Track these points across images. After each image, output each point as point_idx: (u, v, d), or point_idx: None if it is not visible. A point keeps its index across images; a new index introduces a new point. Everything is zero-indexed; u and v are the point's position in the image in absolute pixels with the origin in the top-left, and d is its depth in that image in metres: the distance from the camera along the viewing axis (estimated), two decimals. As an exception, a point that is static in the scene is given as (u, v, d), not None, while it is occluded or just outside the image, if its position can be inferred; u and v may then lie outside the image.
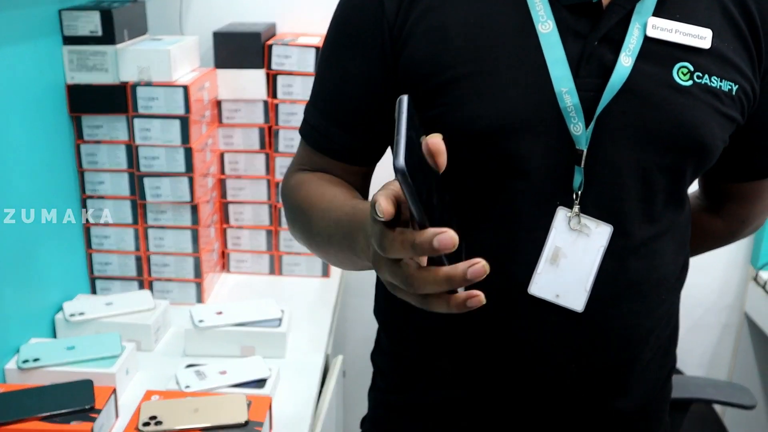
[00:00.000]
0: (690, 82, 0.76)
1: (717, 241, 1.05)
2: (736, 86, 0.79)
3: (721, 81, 0.78)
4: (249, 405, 1.09)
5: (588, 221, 0.78)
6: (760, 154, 0.91)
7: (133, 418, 1.06)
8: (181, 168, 1.44)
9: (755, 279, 1.86)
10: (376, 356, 0.97)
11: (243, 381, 1.19)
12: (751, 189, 0.96)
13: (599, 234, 0.79)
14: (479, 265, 0.51)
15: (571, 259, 0.78)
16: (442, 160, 0.54)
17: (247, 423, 1.05)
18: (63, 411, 1.04)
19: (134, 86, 1.40)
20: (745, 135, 0.84)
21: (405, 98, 0.50)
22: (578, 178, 0.77)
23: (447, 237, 0.49)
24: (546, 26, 0.76)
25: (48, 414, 1.04)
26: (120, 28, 1.42)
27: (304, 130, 0.89)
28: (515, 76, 0.76)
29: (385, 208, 0.51)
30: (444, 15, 0.77)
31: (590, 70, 0.76)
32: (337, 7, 0.84)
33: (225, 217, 1.66)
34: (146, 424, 1.04)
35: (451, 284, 0.51)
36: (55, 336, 1.32)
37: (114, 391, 1.11)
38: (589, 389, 0.82)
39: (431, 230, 0.49)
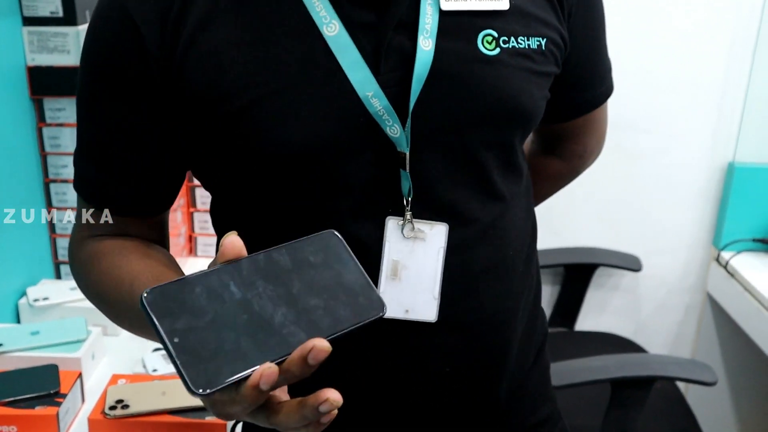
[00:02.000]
0: (497, 50, 0.73)
1: (559, 181, 1.03)
2: (545, 40, 0.76)
3: (528, 39, 0.75)
4: None
5: (421, 225, 0.74)
6: (581, 89, 0.89)
7: (100, 402, 1.06)
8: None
9: (717, 259, 1.91)
10: None
11: None
12: (581, 124, 0.95)
13: (435, 235, 0.75)
14: (327, 404, 0.51)
15: (412, 269, 0.75)
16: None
17: (215, 405, 1.05)
18: (27, 396, 1.04)
19: (97, 68, 1.38)
20: (563, 78, 0.83)
21: (143, 298, 0.47)
22: (406, 184, 0.73)
23: (268, 374, 0.48)
24: (332, 28, 0.70)
25: (12, 399, 1.03)
26: (81, 9, 1.40)
27: (78, 185, 0.78)
28: (311, 90, 0.69)
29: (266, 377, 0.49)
30: (215, 37, 0.69)
31: (391, 64, 0.71)
32: (85, 38, 0.73)
33: (192, 201, 1.66)
34: (113, 407, 1.04)
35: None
36: (18, 322, 1.32)
37: (80, 375, 1.11)
38: (471, 382, 0.79)
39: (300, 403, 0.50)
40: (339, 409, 0.74)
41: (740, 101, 1.85)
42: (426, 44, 0.71)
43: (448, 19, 0.72)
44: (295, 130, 0.69)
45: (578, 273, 1.95)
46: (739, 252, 1.87)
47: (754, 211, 1.88)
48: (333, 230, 0.57)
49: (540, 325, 0.89)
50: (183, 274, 0.74)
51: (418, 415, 0.78)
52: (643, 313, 2.06)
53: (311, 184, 0.72)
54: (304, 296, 0.52)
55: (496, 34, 0.73)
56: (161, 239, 0.83)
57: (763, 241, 1.87)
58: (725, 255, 1.87)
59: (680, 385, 1.77)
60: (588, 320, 2.03)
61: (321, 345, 0.49)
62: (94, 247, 0.78)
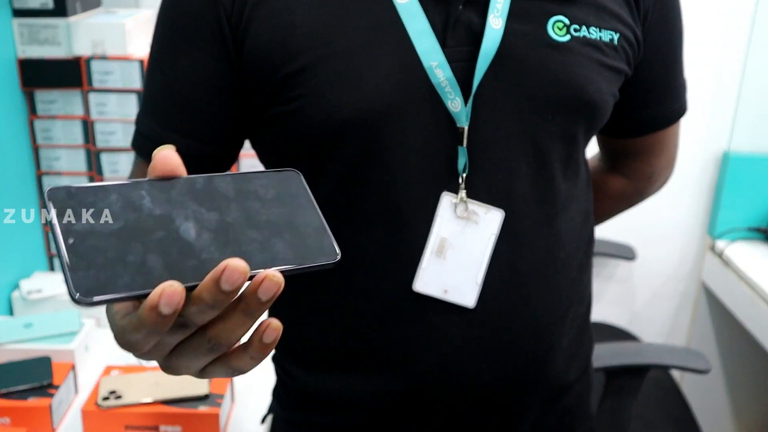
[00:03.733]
0: (567, 37, 0.72)
1: (624, 202, 1.00)
2: (618, 35, 0.75)
3: (600, 31, 0.73)
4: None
5: (476, 207, 0.73)
6: (655, 104, 0.86)
7: (93, 394, 1.06)
8: (139, 143, 1.43)
9: (712, 248, 1.91)
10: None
11: None
12: (652, 142, 0.92)
13: (490, 220, 0.73)
14: (271, 331, 0.43)
15: (459, 250, 0.73)
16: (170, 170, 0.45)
17: (207, 396, 1.06)
18: (20, 388, 1.04)
19: (88, 60, 1.38)
20: (636, 86, 0.81)
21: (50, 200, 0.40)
22: (462, 160, 0.72)
23: (170, 292, 0.38)
24: None
25: (6, 391, 1.03)
26: (72, 1, 1.40)
27: (137, 142, 0.78)
28: (376, 55, 0.69)
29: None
30: None
31: (459, 38, 0.70)
32: None
33: None
34: (106, 398, 1.04)
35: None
36: (12, 314, 1.32)
37: (73, 367, 1.11)
38: (505, 386, 0.76)
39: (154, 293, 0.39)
40: (365, 388, 0.75)
41: (735, 91, 1.85)
42: (496, 23, 0.70)
43: (520, 2, 0.71)
44: (356, 93, 0.69)
45: None
46: (733, 241, 1.87)
47: (749, 200, 1.88)
48: (297, 170, 0.51)
49: (587, 344, 0.87)
50: None
51: (440, 411, 0.76)
52: (637, 302, 2.06)
53: (365, 152, 0.71)
54: (240, 227, 0.44)
55: (567, 21, 0.72)
56: None
57: (757, 230, 1.87)
58: (720, 244, 1.87)
59: (675, 374, 1.77)
60: None
61: (236, 264, 0.39)
62: None
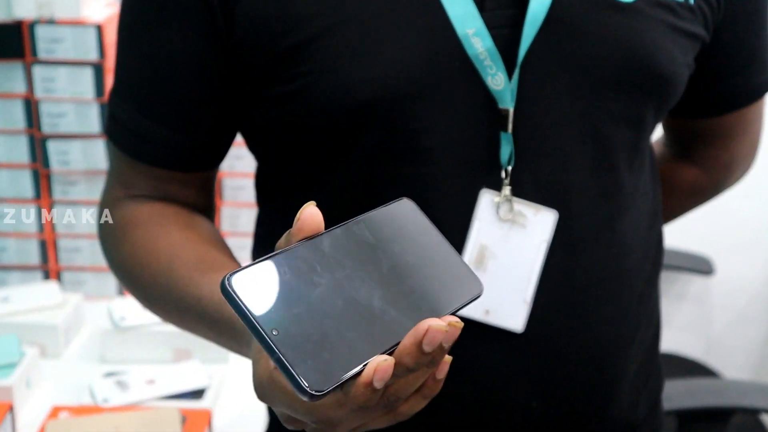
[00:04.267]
0: None
1: (696, 198, 1.02)
2: None
3: None
4: (183, 421, 1.09)
5: (524, 207, 0.74)
6: (737, 76, 0.88)
7: (36, 441, 1.05)
8: (95, 128, 1.44)
9: None
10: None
11: (176, 392, 1.20)
12: (732, 123, 0.93)
13: (540, 223, 0.75)
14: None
15: (502, 260, 0.74)
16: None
17: (181, 445, 1.05)
18: (-55, 434, 1.03)
19: (32, 25, 1.40)
20: (715, 54, 0.82)
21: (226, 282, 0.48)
22: (506, 149, 0.73)
23: (384, 368, 0.47)
24: None
25: (-75, 437, 1.02)
26: None
27: (112, 131, 0.81)
28: (399, 21, 0.71)
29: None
30: None
31: (500, 1, 0.72)
32: None
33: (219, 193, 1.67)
34: (52, 447, 1.03)
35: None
36: (-64, 341, 1.31)
37: (11, 408, 1.11)
38: (562, 427, 0.78)
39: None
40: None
41: None
42: None
43: None
44: (374, 69, 0.70)
45: None
46: None
47: None
48: (406, 198, 0.59)
49: (656, 375, 0.88)
50: (230, 252, 0.79)
51: None
52: (716, 327, 2.11)
53: (386, 141, 0.72)
54: (396, 276, 0.54)
55: None
56: (207, 206, 0.85)
57: None
58: None
59: (765, 417, 1.78)
60: None
61: (437, 325, 0.48)
62: (129, 211, 0.81)
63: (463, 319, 0.69)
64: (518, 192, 0.74)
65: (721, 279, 2.04)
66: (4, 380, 1.15)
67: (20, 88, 1.43)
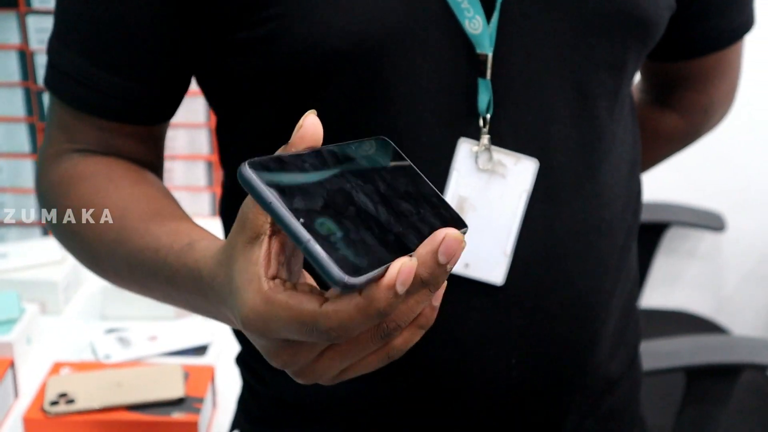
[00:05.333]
0: None
1: (674, 141, 1.04)
2: None
3: None
4: (186, 377, 1.10)
5: (503, 156, 0.75)
6: (716, 16, 0.90)
7: (38, 397, 1.07)
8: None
9: None
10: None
11: (178, 348, 1.21)
12: (709, 66, 0.95)
13: (520, 173, 0.75)
14: (451, 236, 0.49)
15: (482, 211, 0.75)
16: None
17: (183, 399, 1.07)
18: (-54, 389, 1.05)
19: (25, -28, 1.40)
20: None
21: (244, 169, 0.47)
22: (485, 96, 0.74)
23: (407, 269, 0.46)
24: None
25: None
26: None
27: (53, 81, 0.78)
28: None
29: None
30: None
31: None
32: None
33: None
34: (54, 403, 1.05)
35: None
36: (-66, 297, 1.33)
37: (12, 364, 1.12)
38: (541, 384, 0.79)
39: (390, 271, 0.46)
40: (361, 394, 0.77)
41: None
42: None
43: None
44: (347, 14, 0.70)
45: (645, 234, 1.94)
46: None
47: None
48: (386, 138, 0.59)
49: (633, 329, 0.90)
50: (181, 208, 0.76)
51: (456, 418, 0.78)
52: (727, 285, 2.13)
53: (361, 89, 0.72)
54: (393, 198, 0.54)
55: None
56: (156, 162, 0.83)
57: None
58: None
59: (773, 375, 1.82)
60: (657, 294, 2.09)
61: (454, 234, 0.47)
62: (72, 165, 0.78)
63: None
64: (497, 141, 0.74)
65: (732, 236, 2.06)
66: (4, 336, 1.17)
67: (14, 39, 1.42)
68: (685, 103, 0.99)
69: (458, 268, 0.73)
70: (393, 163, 0.58)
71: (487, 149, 0.74)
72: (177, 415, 1.04)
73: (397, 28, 0.71)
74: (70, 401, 1.05)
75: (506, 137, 0.74)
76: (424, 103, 0.73)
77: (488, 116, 0.74)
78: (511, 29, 0.73)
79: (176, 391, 1.07)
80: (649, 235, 1.98)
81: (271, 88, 0.75)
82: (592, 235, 0.79)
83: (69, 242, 0.78)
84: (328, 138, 0.71)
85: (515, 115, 0.75)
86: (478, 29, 0.72)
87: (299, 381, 0.54)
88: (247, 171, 0.46)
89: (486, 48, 0.73)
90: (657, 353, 1.47)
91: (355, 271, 0.44)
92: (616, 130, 0.80)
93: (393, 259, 0.47)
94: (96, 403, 1.05)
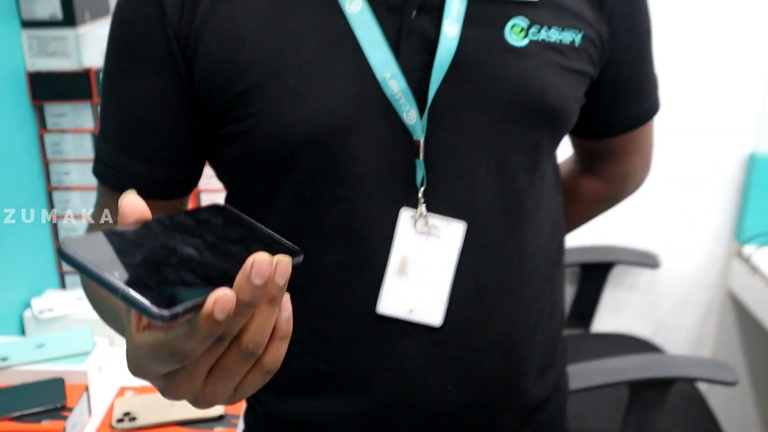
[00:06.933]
0: (526, 41, 0.72)
1: (598, 204, 1.01)
2: (580, 35, 0.74)
3: (561, 33, 0.73)
4: None
5: (437, 220, 0.73)
6: (626, 103, 0.87)
7: (107, 416, 1.08)
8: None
9: (739, 254, 1.92)
10: None
11: None
12: (624, 142, 0.92)
13: (451, 233, 0.73)
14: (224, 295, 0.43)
15: (421, 267, 0.73)
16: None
17: (223, 416, 1.07)
18: (34, 410, 1.06)
19: (99, 72, 1.39)
20: (605, 86, 0.81)
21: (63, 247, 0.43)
22: (420, 173, 0.72)
23: (223, 299, 0.41)
24: (354, 5, 0.69)
25: (19, 414, 1.05)
26: (81, 10, 1.42)
27: (97, 170, 0.78)
28: (329, 69, 0.69)
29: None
30: (235, 7, 0.70)
31: (413, 47, 0.70)
32: (112, 18, 0.75)
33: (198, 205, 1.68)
34: (120, 420, 1.06)
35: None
36: (24, 334, 1.33)
37: (86, 388, 1.13)
38: (475, 406, 0.77)
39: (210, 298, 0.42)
40: (325, 413, 0.76)
41: (762, 90, 1.85)
42: (451, 30, 0.70)
43: (475, 5, 0.71)
44: (309, 110, 0.69)
45: (594, 272, 1.96)
46: (762, 246, 1.87)
47: None
48: (220, 204, 0.55)
49: (560, 359, 0.87)
50: None
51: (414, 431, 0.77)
52: (661, 312, 2.07)
53: (321, 169, 0.71)
54: (222, 245, 0.50)
55: (525, 25, 0.72)
56: None
57: None
58: (748, 249, 1.88)
59: (701, 386, 1.77)
60: (605, 321, 2.04)
61: (261, 257, 0.43)
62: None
63: (390, 317, 0.71)
64: (432, 208, 0.72)
65: (666, 271, 2.01)
66: (80, 366, 1.17)
67: (89, 124, 1.44)
68: (607, 172, 0.97)
69: (404, 314, 0.72)
70: (228, 221, 0.54)
71: (423, 216, 0.73)
72: (219, 429, 1.05)
73: (348, 119, 0.70)
74: (133, 419, 1.06)
75: (439, 205, 0.73)
76: (371, 179, 0.72)
77: (423, 189, 0.72)
78: (442, 118, 0.71)
79: (217, 409, 1.07)
80: (598, 273, 1.95)
81: (254, 168, 0.74)
82: (515, 283, 0.77)
83: (91, 303, 0.78)
84: (297, 206, 0.72)
85: (446, 187, 0.73)
86: (413, 120, 0.71)
87: (202, 407, 0.49)
88: (65, 247, 0.43)
89: (419, 135, 0.71)
90: (605, 370, 1.46)
91: (170, 305, 0.41)
92: (536, 198, 0.78)
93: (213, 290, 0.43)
94: (153, 420, 1.05)
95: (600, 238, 1.97)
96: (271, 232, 0.53)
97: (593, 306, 1.97)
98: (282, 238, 0.53)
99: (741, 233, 1.93)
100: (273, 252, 0.47)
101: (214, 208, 0.54)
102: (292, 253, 0.51)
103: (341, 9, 0.69)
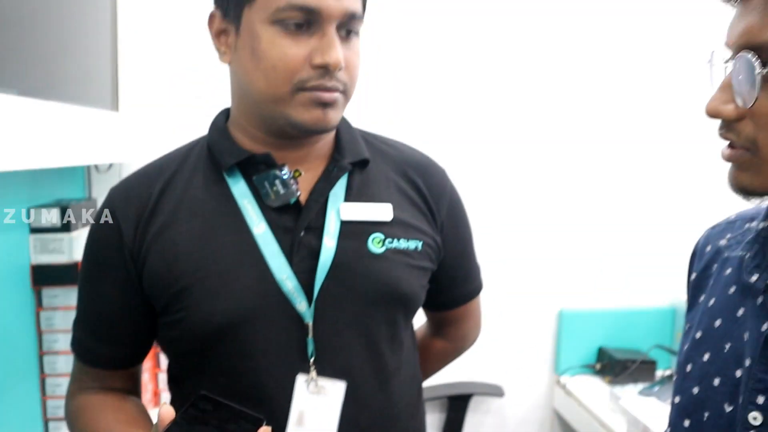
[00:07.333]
0: (383, 249, 0.82)
1: (446, 357, 1.09)
2: (421, 242, 0.85)
3: (408, 242, 0.84)
4: None
5: (324, 382, 0.79)
6: (458, 286, 0.98)
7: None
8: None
9: (558, 383, 2.22)
10: None
11: None
12: (460, 313, 1.03)
13: (335, 391, 0.80)
14: None
15: (315, 418, 0.79)
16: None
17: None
18: None
19: (86, 264, 1.56)
20: (443, 275, 0.92)
21: None
22: (310, 348, 0.79)
23: None
24: (259, 228, 0.79)
25: None
26: (75, 219, 1.66)
27: (73, 346, 0.88)
28: (240, 274, 0.78)
29: None
30: (175, 232, 0.79)
31: (302, 256, 0.79)
32: (87, 237, 0.86)
33: (157, 364, 1.81)
34: None
35: None
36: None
37: None
38: None
39: None
40: None
41: (568, 264, 2.17)
42: (329, 243, 0.80)
43: (347, 225, 0.82)
44: (225, 305, 0.78)
45: (458, 402, 2.13)
46: (573, 375, 2.18)
47: (580, 344, 2.23)
48: (204, 392, 0.66)
49: None
50: (150, 419, 0.87)
51: None
52: (509, 429, 2.26)
53: (236, 348, 0.79)
54: (223, 424, 0.62)
55: (382, 237, 0.83)
56: (135, 388, 0.94)
57: (588, 366, 2.23)
58: (564, 379, 2.18)
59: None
60: None
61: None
62: (79, 400, 0.88)
63: None
64: (321, 373, 0.81)
65: (509, 398, 2.22)
66: None
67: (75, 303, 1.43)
68: (450, 335, 1.08)
69: None
70: (214, 406, 0.65)
71: (314, 379, 0.80)
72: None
73: (255, 310, 0.78)
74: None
75: (326, 370, 0.81)
76: (274, 354, 0.80)
77: (313, 360, 0.81)
78: (325, 306, 0.80)
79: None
80: (461, 402, 2.13)
81: (186, 347, 0.83)
82: (386, 423, 0.85)
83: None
84: (219, 375, 0.80)
85: (330, 356, 0.81)
86: (304, 309, 0.80)
87: None
88: None
89: (309, 320, 0.80)
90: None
91: None
92: (399, 358, 0.87)
93: None
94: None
95: (461, 376, 2.18)
96: (240, 407, 0.65)
97: (459, 429, 2.14)
98: (249, 411, 0.64)
99: (558, 367, 2.24)
100: (245, 423, 0.61)
101: (202, 397, 0.65)
102: (257, 420, 0.64)
103: (250, 230, 0.80)
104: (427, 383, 1.04)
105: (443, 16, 2.02)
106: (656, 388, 1.91)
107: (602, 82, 2.12)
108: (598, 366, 2.17)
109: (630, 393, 1.92)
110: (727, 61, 0.68)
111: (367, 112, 1.55)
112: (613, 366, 2.09)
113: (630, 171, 2.17)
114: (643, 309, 2.22)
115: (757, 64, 0.63)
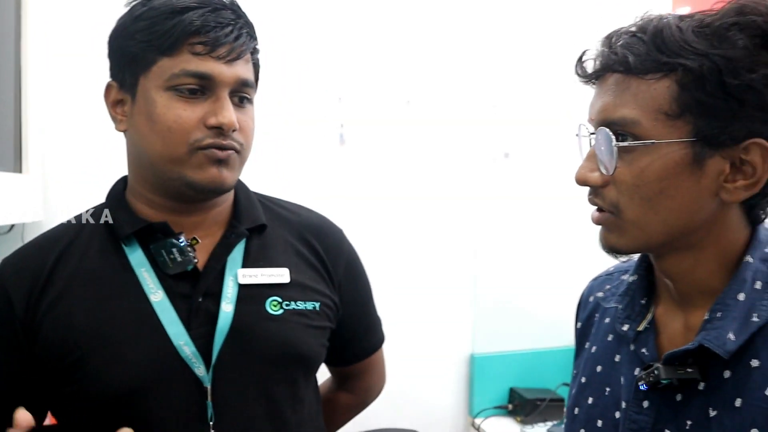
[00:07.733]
0: (281, 311, 0.83)
1: (351, 410, 1.12)
2: (319, 303, 0.88)
3: (305, 303, 0.86)
4: None
5: None
6: (358, 341, 1.02)
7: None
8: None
9: (473, 425, 2.30)
10: None
11: None
12: (363, 366, 1.06)
13: None
14: None
15: None
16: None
17: None
18: None
19: None
20: (344, 331, 0.94)
21: None
22: (210, 411, 0.80)
23: None
24: (157, 295, 0.80)
25: None
26: None
27: None
28: (138, 341, 0.78)
29: None
30: (70, 302, 0.80)
31: (200, 322, 0.81)
32: None
33: None
34: None
35: None
36: None
37: None
38: None
39: None
40: None
41: (470, 320, 2.23)
42: (227, 307, 0.82)
43: (244, 289, 0.84)
44: (123, 373, 0.78)
45: None
46: (487, 417, 2.22)
47: (492, 386, 2.28)
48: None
49: None
50: None
51: None
52: None
53: (135, 414, 0.79)
54: None
55: (279, 300, 0.85)
56: None
57: (501, 407, 2.27)
58: (477, 421, 2.22)
59: None
60: None
61: None
62: None
63: None
64: None
65: None
66: None
67: None
68: (354, 388, 1.10)
69: None
70: None
71: None
72: None
73: (154, 377, 0.79)
74: None
75: (226, 430, 0.82)
76: (174, 421, 0.81)
77: (212, 422, 0.82)
78: (225, 369, 0.82)
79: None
80: None
81: (88, 415, 0.83)
82: None
83: None
84: None
85: (231, 418, 0.82)
86: (203, 373, 0.81)
87: None
88: None
89: (207, 383, 0.81)
90: None
91: None
92: (301, 416, 0.88)
93: None
94: None
95: (375, 423, 2.12)
96: None
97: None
98: None
99: (472, 410, 2.28)
100: None
101: None
102: None
103: (147, 298, 0.81)
104: (353, 432, 1.04)
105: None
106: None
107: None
108: (510, 406, 2.23)
109: (540, 432, 2.00)
110: (591, 134, 0.75)
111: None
112: (524, 405, 2.15)
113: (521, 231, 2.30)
114: (549, 349, 2.31)
115: (613, 137, 0.70)
